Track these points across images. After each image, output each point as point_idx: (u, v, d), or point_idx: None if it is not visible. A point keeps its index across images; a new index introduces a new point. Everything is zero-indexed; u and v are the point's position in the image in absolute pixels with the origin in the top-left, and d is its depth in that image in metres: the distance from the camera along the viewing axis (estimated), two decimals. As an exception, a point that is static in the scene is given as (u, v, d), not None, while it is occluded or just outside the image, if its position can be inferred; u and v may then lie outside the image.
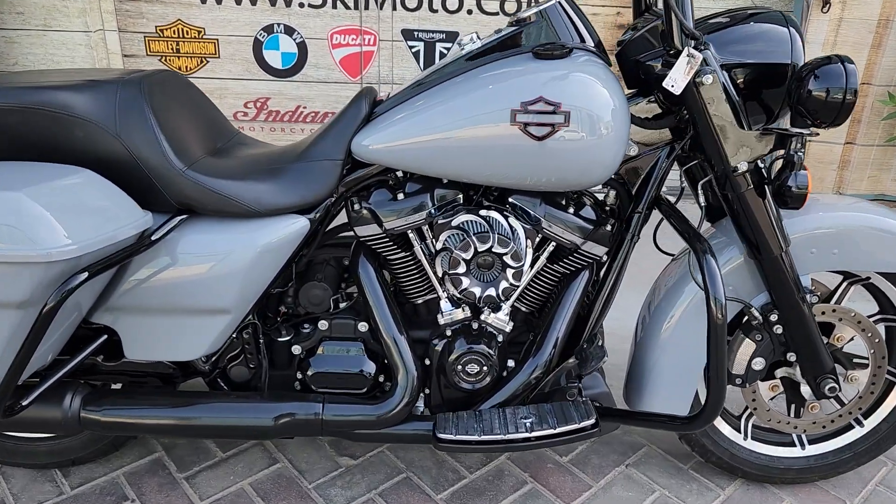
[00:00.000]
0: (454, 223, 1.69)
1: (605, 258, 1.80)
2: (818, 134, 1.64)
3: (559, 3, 1.64)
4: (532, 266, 1.77)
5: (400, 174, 1.73)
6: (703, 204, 1.76)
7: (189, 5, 3.70)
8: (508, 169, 1.61)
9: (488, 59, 1.64)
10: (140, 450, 2.13)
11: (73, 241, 1.39)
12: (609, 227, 1.74)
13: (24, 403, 1.64)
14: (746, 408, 2.01)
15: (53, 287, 1.42)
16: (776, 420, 1.97)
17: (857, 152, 3.78)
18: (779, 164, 1.65)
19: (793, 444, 2.06)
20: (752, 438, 2.04)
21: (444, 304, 1.80)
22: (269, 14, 3.71)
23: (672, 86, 1.55)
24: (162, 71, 1.76)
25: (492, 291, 1.73)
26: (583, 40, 1.65)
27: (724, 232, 1.86)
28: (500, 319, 1.80)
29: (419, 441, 1.80)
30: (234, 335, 1.76)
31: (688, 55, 1.53)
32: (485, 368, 1.79)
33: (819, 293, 1.89)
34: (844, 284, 1.91)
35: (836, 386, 1.85)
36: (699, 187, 1.77)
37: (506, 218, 1.69)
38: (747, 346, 1.88)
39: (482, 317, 1.81)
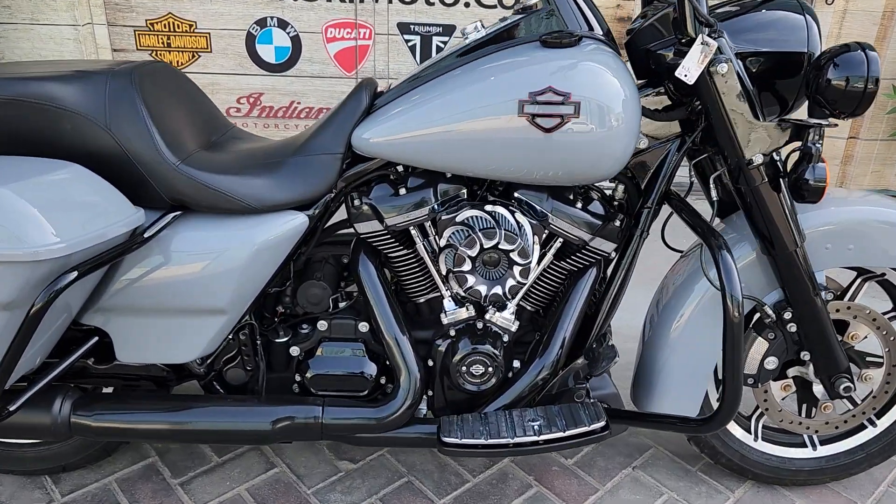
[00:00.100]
0: (458, 219, 1.63)
1: (613, 255, 1.75)
2: (836, 125, 1.59)
3: None
4: (538, 263, 1.71)
5: (401, 168, 1.68)
6: (714, 199, 1.71)
7: (180, -2, 3.64)
8: (515, 162, 1.56)
9: (493, 48, 1.59)
10: (133, 455, 2.08)
11: (62, 238, 1.35)
12: (618, 223, 1.69)
13: (12, 409, 1.59)
14: (757, 408, 1.96)
15: (41, 287, 1.37)
16: (788, 420, 1.93)
17: (860, 147, 3.74)
18: (795, 156, 1.59)
19: (804, 445, 2.03)
20: (763, 439, 2.00)
21: (448, 303, 1.75)
22: (262, 7, 3.65)
23: (685, 75, 1.51)
24: (153, 62, 1.71)
25: (498, 290, 1.68)
26: (591, 28, 1.59)
27: (735, 228, 1.81)
28: (505, 319, 1.75)
29: (422, 445, 1.75)
30: (230, 336, 1.72)
31: (702, 43, 1.48)
32: (490, 369, 1.74)
33: (834, 290, 1.84)
34: (858, 281, 1.86)
35: (851, 385, 1.81)
36: (711, 181, 1.71)
37: (512, 213, 1.64)
38: (759, 345, 1.83)
39: (487, 316, 1.76)
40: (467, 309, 1.75)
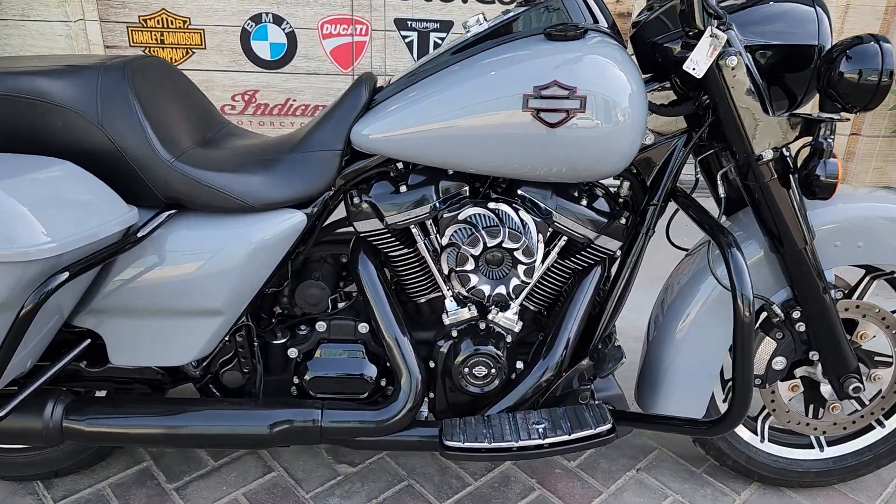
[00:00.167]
0: (461, 217, 1.59)
1: (618, 253, 1.72)
2: (848, 119, 1.56)
3: None
4: (542, 262, 1.68)
5: (402, 165, 1.64)
6: (722, 195, 1.68)
7: (174, -6, 3.60)
8: (519, 158, 1.52)
9: (496, 41, 1.55)
10: (127, 459, 2.03)
11: (53, 238, 1.31)
12: (623, 221, 1.66)
13: (2, 413, 1.55)
14: (763, 408, 1.93)
15: (31, 288, 1.33)
16: (795, 421, 1.89)
17: (862, 143, 3.72)
18: (805, 152, 1.56)
19: (810, 446, 2.00)
20: (769, 441, 1.97)
21: (449, 304, 1.72)
22: (257, 3, 3.62)
23: (693, 69, 1.47)
24: (147, 56, 1.67)
25: (502, 289, 1.64)
26: (596, 21, 1.56)
27: (741, 225, 1.78)
28: (508, 319, 1.72)
29: (424, 448, 1.72)
30: (226, 338, 1.68)
31: (711, 35, 1.44)
32: (493, 371, 1.70)
33: (842, 288, 1.80)
34: (867, 279, 1.82)
35: (861, 386, 1.78)
36: (718, 178, 1.68)
37: (516, 211, 1.60)
38: (767, 345, 1.80)
39: (489, 316, 1.73)
40: (469, 309, 1.72)
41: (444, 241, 1.62)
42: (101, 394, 1.81)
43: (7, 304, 1.33)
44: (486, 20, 1.62)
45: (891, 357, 1.85)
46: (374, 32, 3.71)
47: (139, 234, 1.48)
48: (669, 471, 2.07)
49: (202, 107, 1.79)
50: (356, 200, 1.62)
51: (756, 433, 1.96)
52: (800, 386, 1.87)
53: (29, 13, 3.37)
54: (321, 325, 1.75)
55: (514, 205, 1.61)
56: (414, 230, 1.65)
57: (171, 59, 3.68)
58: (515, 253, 1.60)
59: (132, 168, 1.49)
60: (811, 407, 1.92)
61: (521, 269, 1.62)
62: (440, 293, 1.73)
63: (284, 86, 3.81)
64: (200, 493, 1.92)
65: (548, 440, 1.62)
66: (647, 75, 1.68)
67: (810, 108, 1.62)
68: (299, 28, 3.70)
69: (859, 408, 1.88)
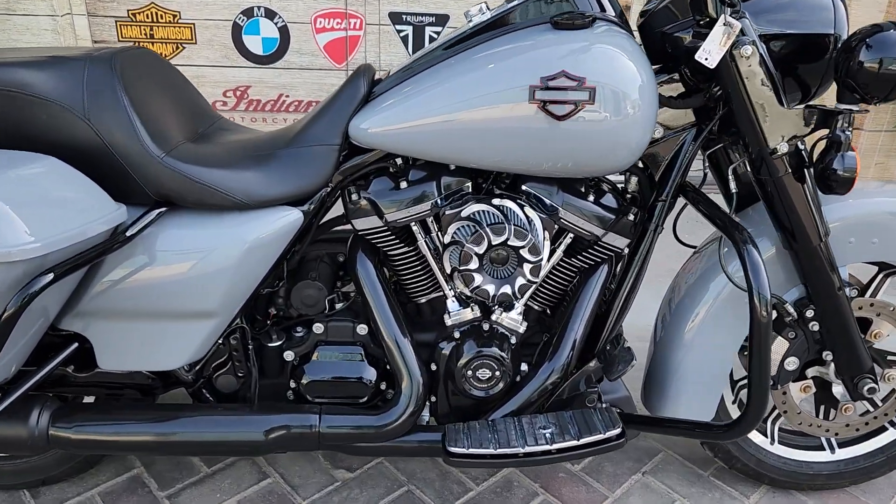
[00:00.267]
0: (464, 214, 1.54)
1: (625, 250, 1.66)
2: (868, 111, 1.51)
3: None
4: (548, 260, 1.62)
5: (402, 160, 1.58)
6: (733, 191, 1.63)
7: (163, -13, 3.55)
8: (524, 152, 1.47)
9: (500, 31, 1.50)
10: (117, 466, 1.97)
11: (36, 238, 1.27)
12: (631, 217, 1.60)
13: (-15, 421, 1.49)
14: (773, 409, 1.88)
15: (14, 290, 1.29)
16: (807, 423, 1.84)
17: (864, 138, 3.69)
18: (821, 145, 1.50)
19: (821, 448, 1.95)
20: (780, 443, 1.93)
21: (451, 304, 1.67)
22: (248, -4, 3.57)
23: (706, 59, 1.42)
24: (135, 47, 1.61)
25: (507, 289, 1.58)
26: (603, 9, 1.51)
27: (751, 221, 1.72)
28: (512, 319, 1.67)
29: (426, 454, 1.67)
30: (219, 341, 1.62)
31: (724, 24, 1.39)
32: (497, 373, 1.65)
33: (856, 286, 1.76)
34: (880, 276, 1.78)
35: (875, 387, 1.74)
36: (729, 172, 1.63)
37: (521, 207, 1.54)
38: (779, 345, 1.74)
39: (493, 317, 1.67)
40: (472, 309, 1.67)
41: (447, 239, 1.56)
42: (90, 400, 1.77)
43: (-11, 306, 1.28)
44: (488, 9, 1.57)
45: (906, 357, 1.80)
46: (369, 26, 3.68)
47: (128, 234, 1.43)
48: (676, 474, 2.03)
49: (193, 100, 1.73)
50: (354, 197, 1.57)
51: (766, 435, 1.91)
52: (812, 387, 1.82)
53: (14, 7, 3.31)
54: (318, 327, 1.69)
55: (518, 201, 1.55)
56: (414, 228, 1.60)
57: (161, 54, 3.61)
58: (521, 251, 1.54)
59: (120, 164, 1.43)
60: (822, 408, 1.87)
61: (526, 267, 1.56)
62: (441, 293, 1.68)
63: (277, 81, 3.77)
64: (193, 501, 1.87)
65: (556, 445, 1.56)
66: (655, 66, 1.62)
67: (823, 99, 1.57)
68: (292, 22, 3.67)
69: (872, 409, 1.84)
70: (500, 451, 1.55)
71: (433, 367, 1.70)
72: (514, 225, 1.52)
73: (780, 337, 1.73)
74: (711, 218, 1.59)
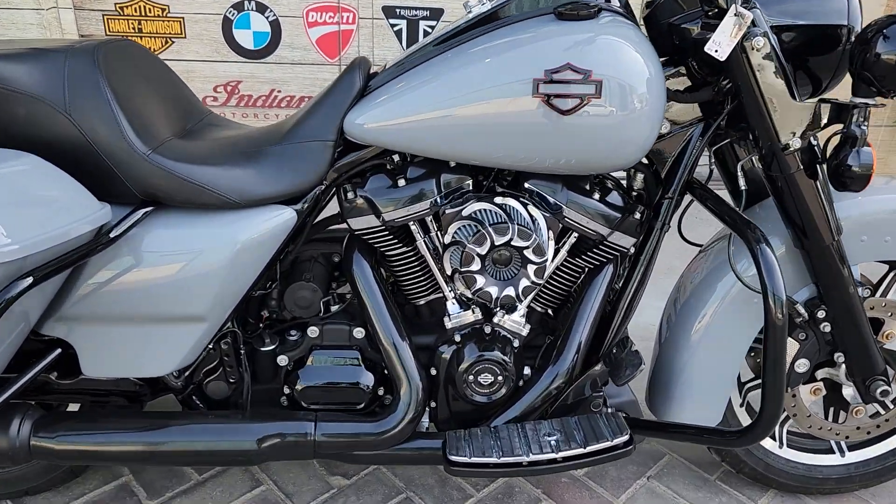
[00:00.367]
0: (465, 213, 1.48)
1: (631, 250, 1.61)
2: (884, 104, 1.46)
3: None
4: (552, 260, 1.56)
5: (399, 157, 1.53)
6: (742, 188, 1.57)
7: (152, -20, 3.51)
8: (527, 148, 1.42)
9: (502, 22, 1.44)
10: (104, 475, 1.92)
11: (14, 240, 1.21)
12: (637, 215, 1.55)
13: (-36, 431, 1.44)
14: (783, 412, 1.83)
15: None
16: (817, 426, 1.80)
17: (865, 133, 3.66)
18: (835, 140, 1.45)
19: (831, 452, 1.91)
20: (788, 446, 1.88)
21: (451, 306, 1.61)
22: (238, -11, 3.53)
23: (716, 51, 1.36)
24: (119, 39, 1.56)
25: (510, 291, 1.52)
26: (608, -1, 1.44)
27: (759, 219, 1.66)
28: (515, 322, 1.61)
29: (426, 462, 1.63)
30: (210, 345, 1.57)
31: (735, 14, 1.33)
32: (500, 378, 1.59)
33: (869, 286, 1.71)
34: (892, 275, 1.73)
35: (889, 389, 1.69)
36: (738, 169, 1.58)
37: (524, 206, 1.48)
38: (789, 347, 1.68)
39: (495, 319, 1.62)
40: (473, 312, 1.61)
41: (447, 239, 1.51)
42: (74, 408, 1.72)
43: (-35, 312, 1.23)
44: (488, 0, 1.51)
45: (917, 358, 1.76)
46: (362, 21, 3.65)
47: (112, 234, 1.38)
48: (682, 478, 1.98)
49: (181, 94, 1.68)
50: (350, 195, 1.52)
51: (775, 438, 1.87)
52: (822, 389, 1.78)
53: (-2, 1, 3.24)
54: (313, 330, 1.64)
55: (521, 199, 1.50)
56: (413, 227, 1.55)
57: (150, 48, 3.57)
58: (525, 252, 1.49)
59: (104, 161, 1.38)
60: (831, 410, 1.83)
61: (531, 268, 1.51)
62: (441, 295, 1.63)
63: (268, 76, 3.74)
64: (184, 511, 1.81)
65: (561, 454, 1.50)
66: (661, 59, 1.57)
67: (835, 93, 1.52)
68: (283, 16, 3.64)
69: (883, 411, 1.79)
70: (503, 459, 1.50)
71: (433, 371, 1.65)
72: (518, 224, 1.47)
73: (790, 338, 1.68)
74: (721, 216, 1.54)
